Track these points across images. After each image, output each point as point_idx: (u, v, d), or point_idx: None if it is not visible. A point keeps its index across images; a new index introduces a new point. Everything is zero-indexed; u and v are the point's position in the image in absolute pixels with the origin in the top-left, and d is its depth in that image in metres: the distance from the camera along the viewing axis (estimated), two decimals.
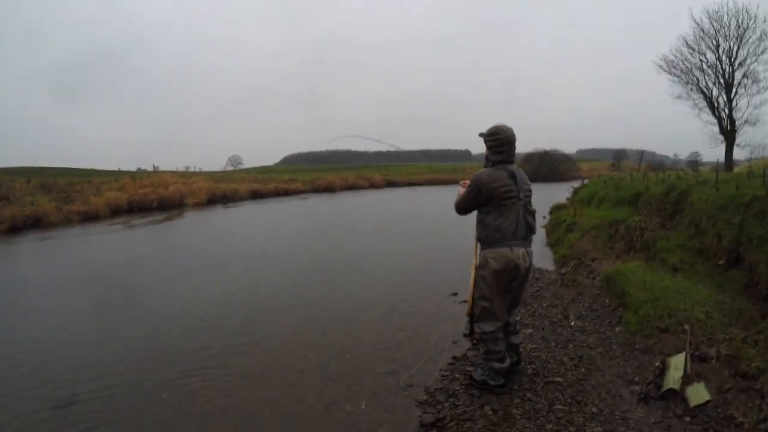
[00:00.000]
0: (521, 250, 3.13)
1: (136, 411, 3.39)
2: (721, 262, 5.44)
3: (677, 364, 3.21)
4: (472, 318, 3.38)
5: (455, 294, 6.03)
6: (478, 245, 3.32)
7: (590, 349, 3.92)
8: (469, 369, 3.66)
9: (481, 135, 3.34)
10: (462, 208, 3.35)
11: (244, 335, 4.86)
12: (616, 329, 4.32)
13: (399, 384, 3.62)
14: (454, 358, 4.01)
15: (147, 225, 14.71)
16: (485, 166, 3.30)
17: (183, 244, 11.22)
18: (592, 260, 7.20)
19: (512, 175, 3.14)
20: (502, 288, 3.19)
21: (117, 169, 42.39)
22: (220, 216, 17.48)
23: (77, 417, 3.33)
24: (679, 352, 3.38)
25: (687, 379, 3.03)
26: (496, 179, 3.10)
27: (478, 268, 3.26)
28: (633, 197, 10.31)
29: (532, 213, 3.25)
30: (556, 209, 14.60)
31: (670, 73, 20.42)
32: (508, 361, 3.31)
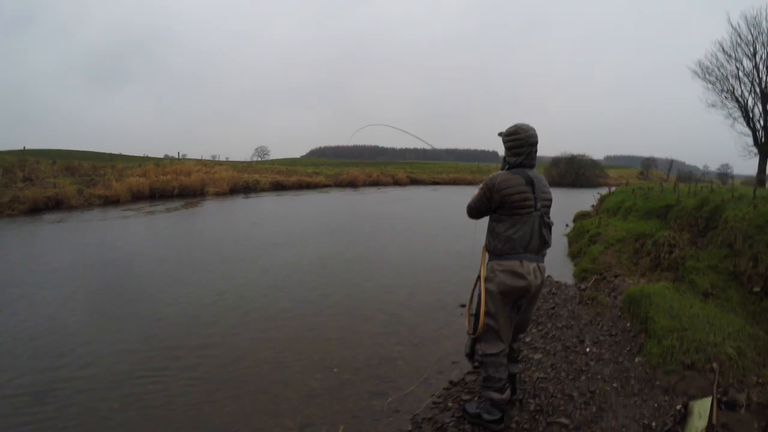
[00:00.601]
0: (532, 265, 2.79)
1: (93, 419, 3.17)
2: (757, 289, 4.95)
3: (701, 410, 2.80)
4: (474, 337, 3.04)
5: (464, 306, 5.66)
6: (486, 255, 2.98)
7: (604, 383, 3.50)
8: (465, 398, 3.30)
9: (500, 135, 3.00)
10: (473, 211, 3.03)
11: (228, 340, 4.58)
12: (636, 360, 3.89)
13: (384, 408, 3.30)
14: (450, 382, 3.65)
15: (162, 212, 14.69)
16: (502, 169, 2.96)
17: (189, 235, 11.06)
18: (615, 276, 6.73)
19: (530, 182, 2.79)
20: (509, 305, 2.86)
21: (144, 155, 43.13)
22: (238, 207, 17.38)
23: (40, 413, 3.15)
24: (704, 394, 2.98)
25: (711, 431, 2.63)
26: (511, 185, 2.75)
27: (484, 280, 2.91)
28: (662, 209, 9.72)
29: (549, 226, 2.89)
30: (580, 217, 14.01)
31: (705, 80, 19.60)
32: (507, 393, 2.96)
